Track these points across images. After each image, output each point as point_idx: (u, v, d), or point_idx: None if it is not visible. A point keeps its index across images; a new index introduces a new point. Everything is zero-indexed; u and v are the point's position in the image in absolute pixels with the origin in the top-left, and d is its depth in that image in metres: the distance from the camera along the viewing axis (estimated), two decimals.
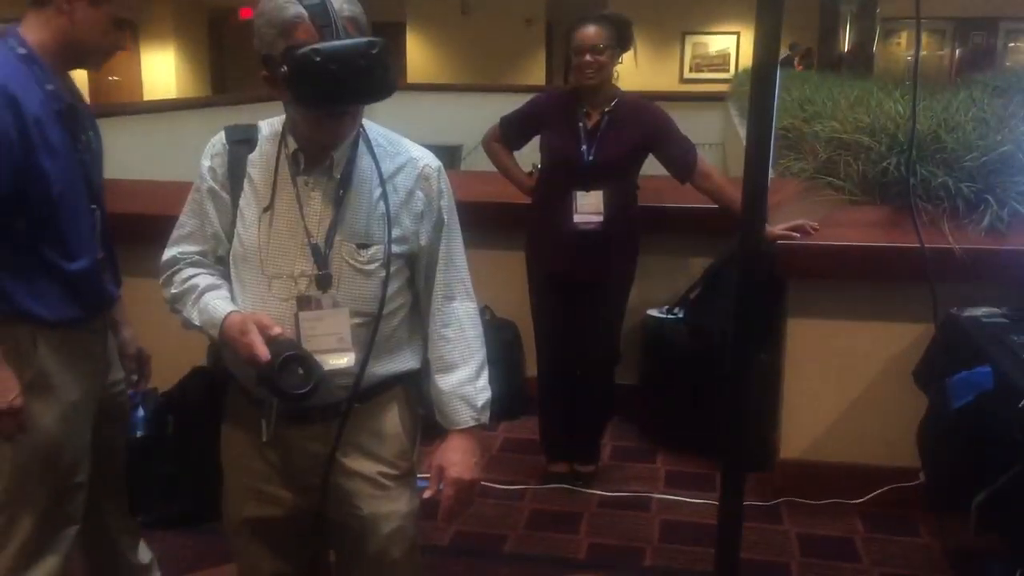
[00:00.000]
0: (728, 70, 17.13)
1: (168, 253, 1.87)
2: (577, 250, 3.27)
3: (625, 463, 3.72)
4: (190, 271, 1.83)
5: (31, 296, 2.01)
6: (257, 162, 1.78)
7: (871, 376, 3.33)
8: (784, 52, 13.32)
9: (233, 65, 17.68)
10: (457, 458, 1.80)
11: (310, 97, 1.62)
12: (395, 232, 1.75)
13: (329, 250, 1.72)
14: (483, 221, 4.02)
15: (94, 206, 2.11)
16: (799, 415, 3.42)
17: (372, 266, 1.74)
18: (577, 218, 3.23)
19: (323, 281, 1.72)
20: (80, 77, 2.32)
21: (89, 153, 2.11)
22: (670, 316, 3.83)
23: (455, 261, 1.85)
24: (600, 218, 3.22)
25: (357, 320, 1.74)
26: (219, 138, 1.82)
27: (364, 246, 1.73)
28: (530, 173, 3.51)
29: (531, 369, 3.78)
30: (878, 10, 15.60)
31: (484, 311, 4.13)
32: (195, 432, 1.87)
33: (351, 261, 1.73)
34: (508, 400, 4.08)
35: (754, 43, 1.45)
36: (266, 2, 1.63)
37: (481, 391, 1.83)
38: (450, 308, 1.84)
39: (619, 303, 3.42)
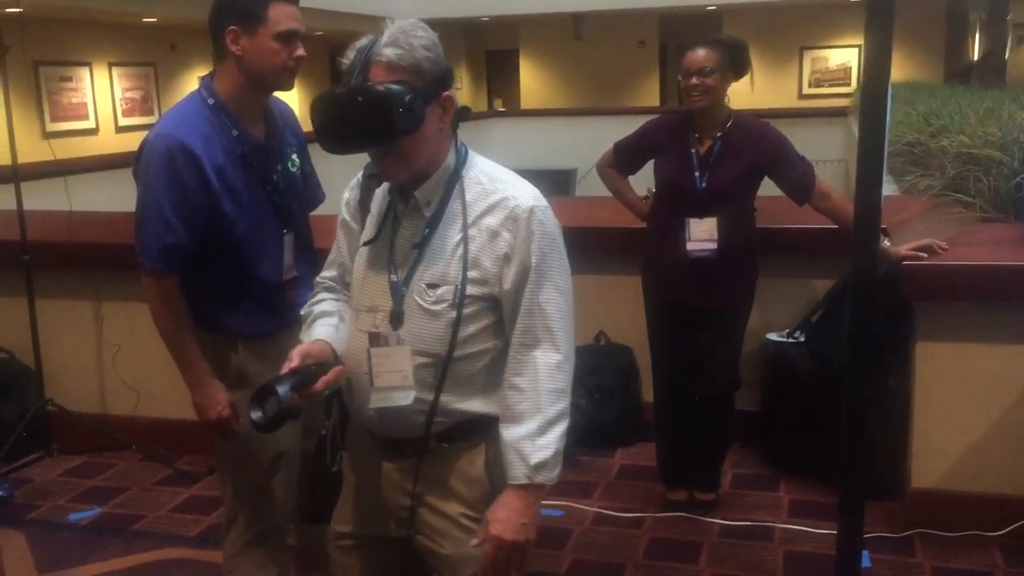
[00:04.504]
0: (850, 84, 16.68)
1: (318, 276, 2.01)
2: (692, 276, 3.23)
3: (747, 491, 3.64)
4: (320, 295, 1.96)
5: (228, 314, 2.36)
6: (379, 197, 1.85)
7: (1008, 401, 3.17)
8: None
9: None
10: (503, 515, 1.71)
11: (319, 141, 1.71)
12: (472, 274, 1.72)
13: (406, 288, 1.75)
14: (598, 246, 4.05)
15: (285, 231, 2.38)
16: (931, 443, 3.28)
17: (439, 307, 1.73)
18: (690, 246, 3.19)
19: (394, 318, 1.75)
20: None
21: (280, 187, 2.37)
22: (791, 340, 3.74)
23: (544, 308, 1.73)
24: (714, 245, 3.18)
25: (422, 360, 1.74)
26: (361, 172, 1.90)
27: (433, 286, 1.73)
28: (645, 198, 3.49)
29: (648, 394, 3.75)
30: (1009, 16, 14.94)
31: (600, 336, 4.12)
32: (339, 440, 1.92)
33: (419, 300, 1.74)
34: (624, 426, 4.05)
35: (864, 60, 1.41)
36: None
37: (540, 449, 1.70)
38: (527, 357, 1.73)
39: (737, 328, 3.36)
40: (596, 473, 3.82)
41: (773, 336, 3.81)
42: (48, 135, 11.22)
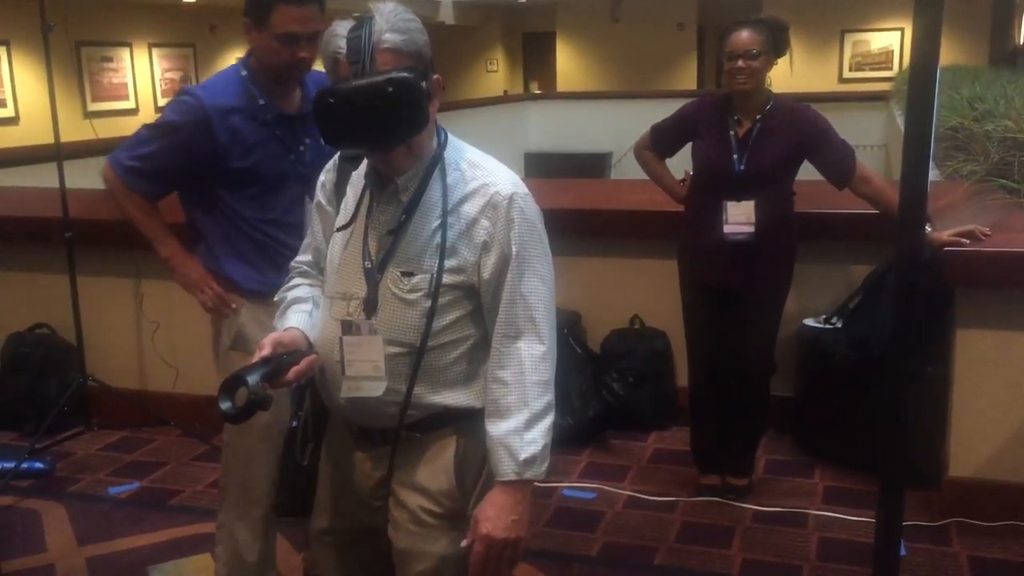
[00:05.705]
0: (891, 68, 16.41)
1: (293, 260, 1.98)
2: (728, 260, 3.20)
3: (781, 477, 3.62)
4: (295, 280, 1.93)
5: (232, 265, 2.50)
6: (354, 181, 1.79)
7: None
8: None
9: None
10: (492, 513, 1.66)
11: (331, 139, 1.61)
12: (449, 262, 1.66)
13: (381, 276, 1.70)
14: (634, 229, 4.03)
15: (309, 198, 2.37)
16: (969, 431, 3.24)
17: (414, 295, 1.67)
18: (727, 228, 3.16)
19: (368, 306, 1.69)
20: None
21: (305, 159, 2.46)
22: (828, 326, 3.70)
23: (526, 298, 1.67)
24: (751, 228, 3.15)
25: (395, 349, 1.69)
26: (337, 155, 1.87)
27: (408, 274, 1.67)
28: (682, 181, 3.46)
29: (682, 379, 3.73)
30: None
31: (634, 320, 4.11)
32: (308, 433, 1.89)
33: (394, 289, 1.68)
34: (658, 410, 4.05)
35: (912, 41, 1.39)
36: (329, 28, 1.66)
37: (529, 444, 1.65)
38: (511, 349, 1.67)
39: (773, 313, 3.33)
40: (629, 457, 3.82)
41: (810, 322, 3.78)
42: (89, 115, 11.37)
